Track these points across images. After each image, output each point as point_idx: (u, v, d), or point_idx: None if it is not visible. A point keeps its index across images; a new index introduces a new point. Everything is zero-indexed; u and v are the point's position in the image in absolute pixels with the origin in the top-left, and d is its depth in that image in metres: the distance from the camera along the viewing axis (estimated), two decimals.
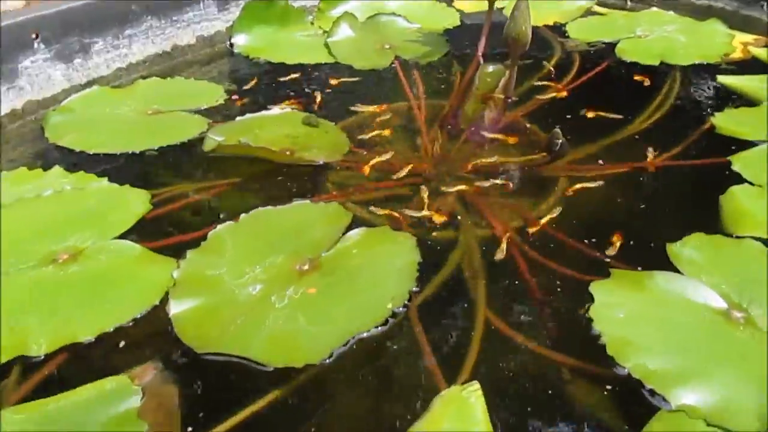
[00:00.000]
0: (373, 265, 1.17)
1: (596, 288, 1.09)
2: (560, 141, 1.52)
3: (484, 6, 1.98)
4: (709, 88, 1.82)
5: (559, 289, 1.14)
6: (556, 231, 1.28)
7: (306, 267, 1.16)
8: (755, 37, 2.11)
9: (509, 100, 1.77)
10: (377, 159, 1.51)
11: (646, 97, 1.77)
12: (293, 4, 2.28)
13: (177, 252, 1.22)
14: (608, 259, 1.19)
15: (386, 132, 1.64)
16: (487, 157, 1.54)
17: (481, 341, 1.04)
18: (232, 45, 2.16)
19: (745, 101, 1.74)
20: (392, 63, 2.00)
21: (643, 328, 1.01)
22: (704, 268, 1.12)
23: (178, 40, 2.05)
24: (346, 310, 1.07)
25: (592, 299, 1.08)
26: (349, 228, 1.27)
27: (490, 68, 1.93)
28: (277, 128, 1.65)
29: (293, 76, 1.96)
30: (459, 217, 1.33)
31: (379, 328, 1.05)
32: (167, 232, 1.30)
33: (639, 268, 1.15)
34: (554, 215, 1.32)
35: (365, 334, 1.03)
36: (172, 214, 1.37)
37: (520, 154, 1.54)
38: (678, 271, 1.13)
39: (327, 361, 0.99)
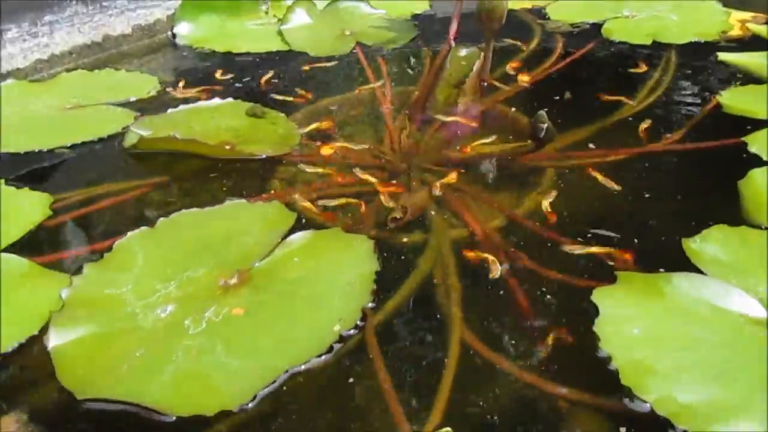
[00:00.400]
0: (319, 276, 0.92)
1: (600, 296, 0.85)
2: (545, 125, 1.30)
3: None
4: (709, 66, 1.62)
5: (552, 300, 0.90)
6: (545, 229, 1.05)
7: (233, 281, 0.91)
8: (753, 14, 1.92)
9: (485, 84, 1.54)
10: (334, 152, 1.28)
11: (639, 78, 1.56)
12: None
13: (76, 267, 0.97)
14: (611, 261, 0.96)
15: (346, 122, 1.40)
16: (462, 148, 1.31)
17: (456, 371, 0.80)
18: (174, 35, 1.91)
19: (750, 79, 1.53)
20: (353, 49, 1.77)
21: (667, 349, 0.77)
22: (733, 268, 0.89)
23: (110, 29, 1.81)
24: (279, 335, 0.83)
25: (596, 311, 0.84)
26: (293, 231, 1.02)
27: (463, 51, 1.71)
28: (217, 120, 1.41)
29: (241, 65, 1.71)
30: (429, 216, 1.09)
31: (323, 357, 0.80)
32: (66, 243, 1.05)
33: (652, 270, 0.91)
34: (543, 208, 1.09)
35: (302, 367, 0.79)
36: (77, 221, 1.11)
37: (501, 143, 1.31)
38: (700, 272, 0.89)
39: (249, 406, 0.74)
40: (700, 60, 1.65)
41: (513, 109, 1.44)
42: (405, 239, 1.04)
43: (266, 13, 2.06)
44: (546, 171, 1.22)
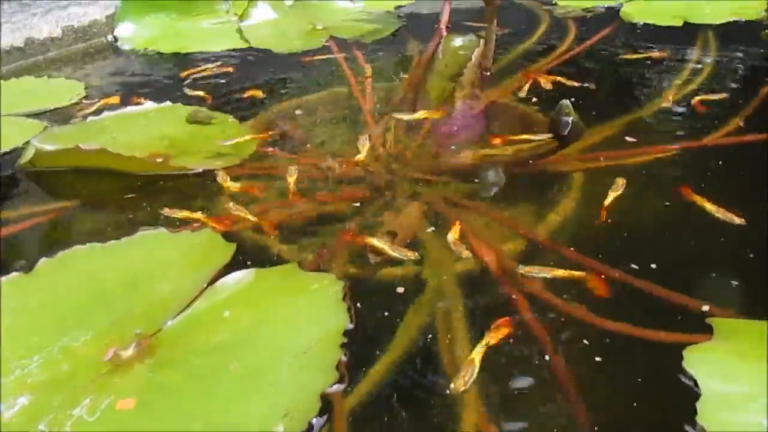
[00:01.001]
0: (258, 340, 0.61)
1: (696, 360, 0.54)
2: (570, 119, 0.99)
3: None
4: (754, 48, 1.32)
5: (616, 368, 0.59)
6: (582, 254, 0.74)
7: (128, 353, 0.60)
8: None
9: (488, 74, 1.24)
10: (299, 163, 0.98)
11: (672, 62, 1.26)
12: None
13: None
14: (702, 306, 0.64)
15: (316, 127, 1.11)
16: (463, 152, 1.00)
17: None
18: (115, 38, 1.61)
19: None
20: (325, 43, 1.48)
21: None
22: None
23: (34, 32, 1.50)
24: None
25: (693, 386, 0.53)
26: (229, 270, 0.71)
27: (459, 40, 1.41)
28: (150, 128, 1.12)
29: (190, 66, 1.41)
30: (424, 243, 0.78)
31: None
32: None
33: (758, 316, 0.60)
34: (576, 227, 0.79)
35: None
36: None
37: (512, 144, 1.01)
38: None
39: None
40: (742, 41, 1.36)
41: (524, 104, 1.14)
42: (391, 278, 0.73)
43: (227, 12, 1.77)
44: (573, 177, 0.91)
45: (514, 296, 0.69)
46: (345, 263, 0.76)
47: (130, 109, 1.17)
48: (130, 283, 0.70)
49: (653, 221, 0.82)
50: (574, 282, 0.70)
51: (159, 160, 0.99)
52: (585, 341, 0.62)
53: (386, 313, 0.67)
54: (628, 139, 0.99)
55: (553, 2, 1.69)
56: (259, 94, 1.24)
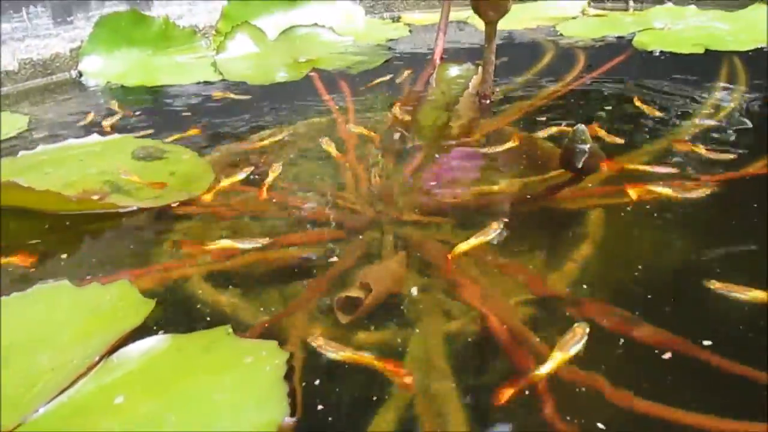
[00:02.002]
0: None
1: None
2: (587, 147, 0.82)
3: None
4: None
5: None
6: (609, 312, 0.56)
7: None
8: None
9: (488, 102, 1.08)
10: (265, 200, 0.81)
11: (695, 89, 1.09)
12: (180, 24, 1.63)
13: None
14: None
15: (290, 161, 0.94)
16: (460, 188, 0.83)
17: None
18: (80, 74, 1.47)
19: None
20: (308, 74, 1.33)
21: None
22: None
23: None
24: None
25: None
26: (139, 336, 0.53)
27: (455, 69, 1.26)
28: (90, 163, 0.94)
29: (154, 98, 1.27)
30: (409, 299, 0.60)
31: None
32: None
33: None
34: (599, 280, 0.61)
35: None
36: None
37: (517, 177, 0.83)
38: None
39: None
40: None
41: (529, 133, 0.97)
42: (366, 343, 0.55)
43: (207, 47, 1.64)
44: (590, 214, 0.74)
45: (527, 372, 0.50)
46: (307, 326, 0.58)
47: (71, 142, 1.01)
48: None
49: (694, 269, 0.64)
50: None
51: (95, 197, 0.82)
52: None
53: (351, 399, 0.49)
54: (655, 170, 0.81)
55: (558, 33, 1.55)
56: (221, 125, 1.08)
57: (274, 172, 0.89)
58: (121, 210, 0.79)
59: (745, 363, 0.49)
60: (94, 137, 1.02)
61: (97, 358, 0.49)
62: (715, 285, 0.59)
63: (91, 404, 0.46)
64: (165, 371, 0.48)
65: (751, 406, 0.46)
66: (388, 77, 1.29)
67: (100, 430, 0.43)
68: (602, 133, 0.93)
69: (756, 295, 0.57)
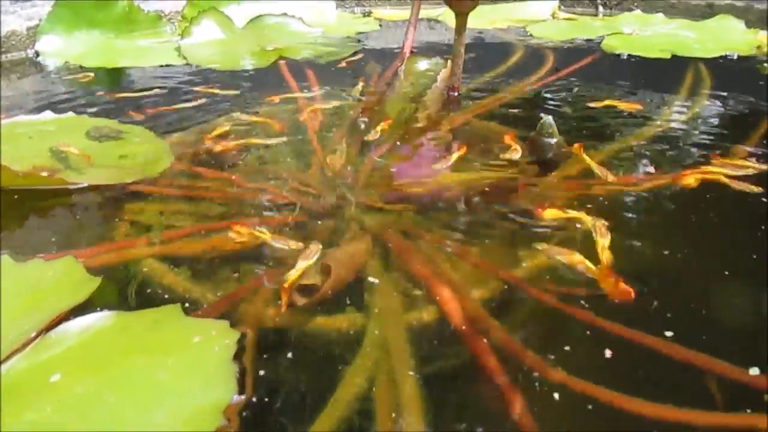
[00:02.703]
0: (94, 422, 0.39)
1: None
2: (555, 140, 0.82)
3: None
4: (754, 79, 1.18)
5: None
6: (572, 303, 0.55)
7: None
8: None
9: (457, 95, 1.07)
10: (223, 182, 0.78)
11: (666, 89, 1.11)
12: (144, 8, 1.59)
13: None
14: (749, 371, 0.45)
15: (253, 145, 0.91)
16: (424, 177, 0.81)
17: None
18: (37, 53, 1.42)
19: None
20: (275, 62, 1.31)
21: None
22: None
23: None
24: None
25: None
26: (82, 312, 0.50)
27: (424, 63, 1.25)
28: (42, 141, 0.90)
29: (114, 81, 1.23)
30: (370, 286, 0.59)
31: None
32: None
33: None
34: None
35: None
36: None
37: (484, 168, 0.82)
38: None
39: None
40: (741, 73, 1.23)
41: (498, 125, 0.96)
42: (322, 329, 0.53)
43: (173, 33, 1.60)
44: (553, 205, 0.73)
45: (482, 357, 0.48)
46: (263, 308, 0.56)
47: (23, 118, 0.97)
48: None
49: (660, 263, 0.64)
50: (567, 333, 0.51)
51: (45, 174, 0.79)
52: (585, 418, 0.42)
53: (307, 380, 0.47)
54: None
55: (529, 34, 1.55)
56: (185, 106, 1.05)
57: (235, 155, 0.87)
58: (71, 187, 0.76)
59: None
60: (48, 114, 0.98)
61: (33, 334, 0.46)
62: None
63: (24, 382, 0.42)
64: (107, 349, 0.45)
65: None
66: (355, 69, 1.27)
67: (32, 408, 0.40)
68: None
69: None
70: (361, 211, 0.73)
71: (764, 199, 0.73)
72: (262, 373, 0.46)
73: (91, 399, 0.41)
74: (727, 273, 0.60)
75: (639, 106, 1.01)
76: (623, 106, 1.02)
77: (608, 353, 0.50)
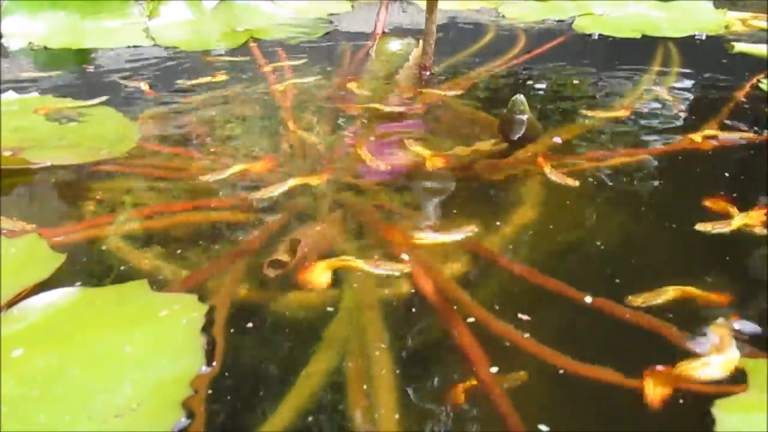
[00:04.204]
0: (57, 396, 0.38)
1: (734, 420, 0.34)
2: (525, 117, 0.82)
3: None
4: (723, 57, 1.20)
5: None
6: (545, 273, 0.55)
7: None
8: (753, 14, 1.56)
9: (428, 74, 1.07)
10: (193, 160, 0.77)
11: (636, 67, 1.11)
12: None
13: None
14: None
15: (223, 123, 0.90)
16: (396, 154, 0.81)
17: None
18: (0, 35, 1.38)
19: None
20: (245, 44, 1.29)
21: None
22: None
23: None
24: None
25: None
26: (46, 288, 0.49)
27: (396, 43, 1.24)
28: (7, 121, 0.88)
29: (80, 61, 1.21)
30: (343, 260, 0.58)
31: None
32: None
33: None
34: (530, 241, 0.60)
35: None
36: None
37: (455, 145, 0.82)
38: None
39: None
40: (709, 52, 1.24)
41: (469, 103, 0.96)
42: (295, 304, 0.52)
43: (141, 15, 1.56)
44: (527, 182, 0.73)
45: (455, 330, 0.49)
46: (234, 283, 0.55)
47: None
48: None
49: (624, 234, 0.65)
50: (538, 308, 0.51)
51: (7, 153, 0.77)
52: (562, 398, 0.42)
53: (279, 354, 0.46)
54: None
55: (501, 15, 1.55)
56: (146, 86, 1.03)
57: (204, 134, 0.86)
58: (35, 166, 0.74)
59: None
60: (11, 95, 0.95)
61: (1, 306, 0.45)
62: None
63: None
64: (71, 324, 0.45)
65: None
66: (327, 49, 1.26)
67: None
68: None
69: None
70: (335, 189, 0.73)
71: None
72: (231, 344, 0.46)
73: (54, 372, 0.40)
74: None
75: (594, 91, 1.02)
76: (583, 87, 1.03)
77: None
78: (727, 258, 0.59)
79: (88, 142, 0.82)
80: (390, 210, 0.68)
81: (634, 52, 1.24)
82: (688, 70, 1.11)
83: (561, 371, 0.45)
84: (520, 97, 0.82)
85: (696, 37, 1.35)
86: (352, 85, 1.03)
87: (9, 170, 0.74)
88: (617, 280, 0.56)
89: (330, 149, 0.83)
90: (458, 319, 0.50)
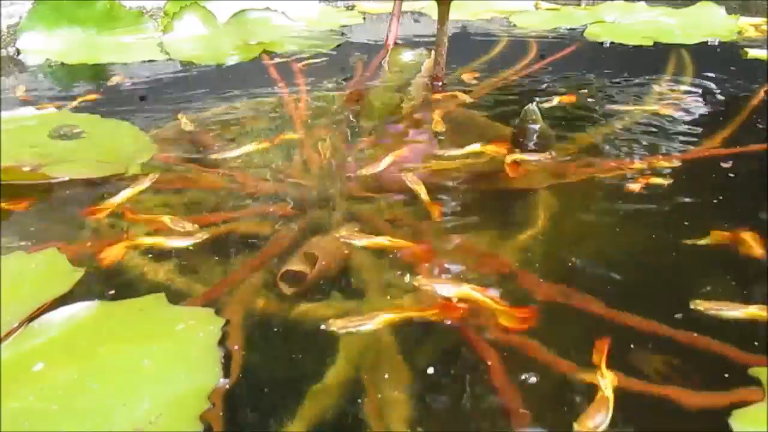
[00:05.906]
0: (77, 410, 0.38)
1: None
2: (538, 126, 0.82)
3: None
4: (737, 64, 1.19)
5: None
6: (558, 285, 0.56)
7: None
8: (766, 19, 1.55)
9: (440, 85, 1.07)
10: (208, 176, 0.78)
11: (644, 78, 1.11)
12: (126, 5, 1.57)
13: None
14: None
15: (238, 137, 0.91)
16: (410, 167, 0.81)
17: None
18: (18, 51, 1.40)
19: None
20: (257, 57, 1.30)
21: None
22: None
23: None
24: None
25: None
26: (67, 302, 0.49)
27: (408, 54, 1.25)
28: (25, 137, 0.90)
29: (96, 77, 1.22)
30: (359, 274, 0.59)
31: None
32: None
33: None
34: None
35: None
36: None
37: (469, 157, 0.82)
38: None
39: None
40: (723, 58, 1.24)
41: (482, 114, 0.96)
42: (311, 317, 0.52)
43: (155, 29, 1.59)
44: (538, 195, 0.73)
45: (474, 343, 0.49)
46: (251, 297, 0.56)
47: (4, 114, 0.96)
48: None
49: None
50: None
51: (27, 169, 0.78)
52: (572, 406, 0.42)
53: (295, 367, 0.46)
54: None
55: (512, 24, 1.55)
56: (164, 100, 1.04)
57: (220, 148, 0.86)
58: (54, 181, 0.75)
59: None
60: (29, 110, 0.97)
61: (16, 324, 0.46)
62: None
63: (7, 371, 0.42)
64: (90, 338, 0.45)
65: None
66: (339, 62, 1.27)
67: (15, 397, 0.39)
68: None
69: None
70: (349, 201, 0.73)
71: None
72: (247, 358, 0.46)
73: (74, 387, 0.41)
74: None
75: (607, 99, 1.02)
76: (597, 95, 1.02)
77: None
78: None
79: (105, 157, 0.83)
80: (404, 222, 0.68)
81: (647, 60, 1.24)
82: (701, 77, 1.11)
83: None
84: (533, 106, 0.83)
85: (709, 43, 1.34)
86: (365, 97, 1.04)
87: (28, 185, 0.75)
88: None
89: (342, 161, 0.83)
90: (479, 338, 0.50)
